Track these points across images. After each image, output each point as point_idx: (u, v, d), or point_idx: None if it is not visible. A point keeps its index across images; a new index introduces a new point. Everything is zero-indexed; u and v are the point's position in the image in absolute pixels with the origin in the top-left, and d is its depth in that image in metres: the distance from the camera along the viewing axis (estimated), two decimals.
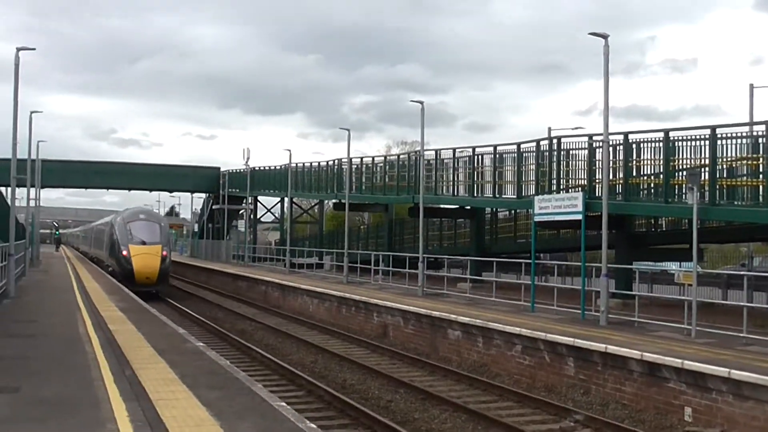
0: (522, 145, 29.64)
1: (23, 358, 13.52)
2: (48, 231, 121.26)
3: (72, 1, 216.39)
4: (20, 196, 52.59)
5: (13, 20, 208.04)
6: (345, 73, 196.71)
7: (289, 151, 47.14)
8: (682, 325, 18.21)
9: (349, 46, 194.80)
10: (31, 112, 38.91)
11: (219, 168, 68.43)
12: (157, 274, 38.29)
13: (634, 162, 24.14)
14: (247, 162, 56.39)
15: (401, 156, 42.58)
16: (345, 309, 28.92)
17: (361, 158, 45.52)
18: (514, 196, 30.01)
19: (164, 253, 38.89)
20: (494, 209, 37.24)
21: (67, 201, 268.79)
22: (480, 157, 32.55)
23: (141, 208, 45.63)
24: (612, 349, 15.68)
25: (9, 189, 29.80)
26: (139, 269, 38.02)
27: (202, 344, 16.15)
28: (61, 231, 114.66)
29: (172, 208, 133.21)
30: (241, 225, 65.18)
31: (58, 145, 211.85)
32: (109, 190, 72.90)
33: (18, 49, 26.16)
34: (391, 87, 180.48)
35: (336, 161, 47.26)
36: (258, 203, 64.60)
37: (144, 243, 38.89)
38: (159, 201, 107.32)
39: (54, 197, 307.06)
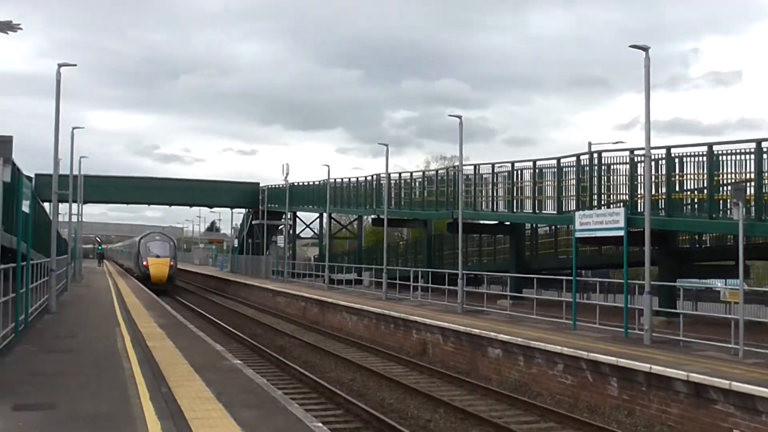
0: (562, 160, 29.29)
1: (61, 374, 13.53)
2: (91, 246, 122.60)
3: (116, 18, 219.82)
4: (63, 212, 53.32)
5: (58, 36, 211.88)
6: (385, 88, 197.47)
7: (328, 166, 46.98)
8: (729, 345, 17.74)
9: (390, 61, 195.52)
10: (73, 128, 39.34)
11: (258, 183, 68.71)
12: (166, 278, 54.93)
13: (677, 177, 23.69)
14: (286, 177, 56.42)
15: (440, 171, 42.39)
16: (384, 326, 28.71)
17: (400, 173, 45.44)
18: (555, 212, 29.65)
19: (172, 263, 55.98)
20: (534, 225, 36.85)
21: (109, 216, 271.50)
22: (519, 172, 32.24)
23: (157, 232, 63.27)
24: (656, 369, 15.29)
25: (51, 204, 30.13)
26: (154, 274, 54.56)
27: (239, 361, 16.05)
28: (103, 246, 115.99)
29: (213, 223, 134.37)
30: (281, 240, 65.24)
31: (102, 160, 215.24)
32: (151, 206, 73.68)
33: (59, 65, 26.44)
34: (430, 102, 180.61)
35: (374, 176, 47.21)
36: (297, 219, 64.66)
37: (158, 256, 55.87)
38: (200, 216, 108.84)
39: (97, 212, 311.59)
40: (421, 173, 44.31)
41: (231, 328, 31.38)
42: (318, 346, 26.62)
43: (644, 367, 15.58)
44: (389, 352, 25.13)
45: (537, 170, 30.83)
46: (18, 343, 17.34)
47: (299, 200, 59.81)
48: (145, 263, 55.67)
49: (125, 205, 75.77)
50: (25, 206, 18.54)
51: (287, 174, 56.10)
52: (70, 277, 43.09)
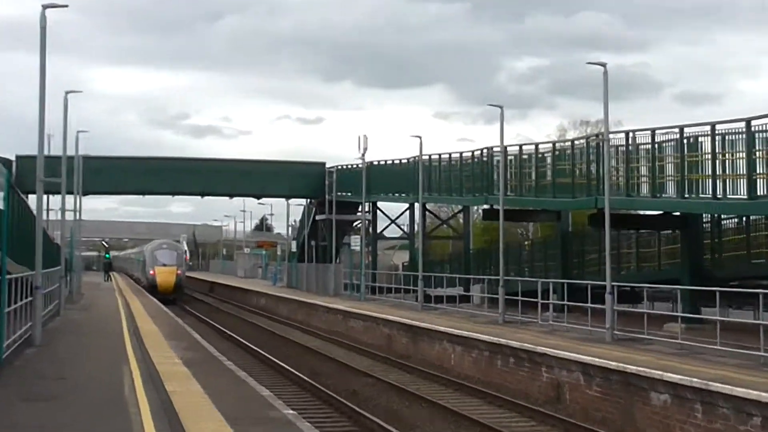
0: (753, 123, 28.48)
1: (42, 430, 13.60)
2: (95, 254, 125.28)
3: None
4: (56, 207, 54.41)
5: None
6: (502, 28, 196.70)
7: (420, 138, 46.63)
8: None
9: None
10: (67, 93, 39.87)
11: (324, 164, 69.12)
12: (173, 287, 71.94)
13: None
14: (363, 154, 56.46)
15: (578, 142, 41.75)
16: (500, 361, 28.63)
17: (521, 146, 44.87)
18: (745, 197, 28.88)
19: (178, 272, 73.75)
20: (716, 216, 36.03)
21: (121, 213, 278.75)
22: (693, 140, 31.54)
23: (164, 241, 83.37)
24: None
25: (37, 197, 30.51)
26: (161, 283, 71.56)
27: (292, 411, 16.15)
28: (113, 253, 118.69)
29: (263, 219, 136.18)
30: (356, 242, 65.41)
31: (110, 135, 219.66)
32: (177, 196, 75.09)
33: (44, 7, 26.71)
34: (566, 45, 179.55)
35: (486, 151, 46.87)
36: (378, 212, 64.70)
37: (165, 265, 73.24)
38: (244, 210, 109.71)
39: (104, 207, 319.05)
40: (550, 145, 43.76)
41: (284, 364, 31.58)
42: (407, 390, 26.65)
43: None
44: (508, 397, 25.01)
45: (718, 137, 30.09)
46: None
47: (381, 186, 59.84)
48: (152, 272, 73.25)
49: (142, 197, 77.23)
50: None
51: (365, 150, 56.12)
52: (65, 297, 43.81)
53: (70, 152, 44.38)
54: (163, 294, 67.61)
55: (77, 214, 54.11)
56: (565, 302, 33.53)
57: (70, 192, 47.05)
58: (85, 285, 63.72)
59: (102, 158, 59.82)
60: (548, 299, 34.59)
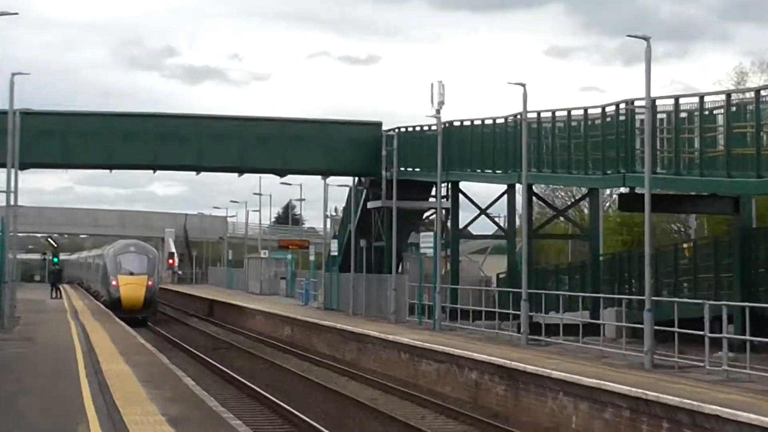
0: None
1: None
2: (39, 257, 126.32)
3: None
4: None
5: None
6: None
7: (524, 86, 46.03)
8: None
9: None
10: None
11: (380, 124, 69.01)
12: (142, 302, 79.78)
13: None
14: (438, 110, 56.19)
15: (764, 92, 40.85)
16: (647, 425, 28.28)
17: (676, 98, 44.12)
18: None
19: (150, 283, 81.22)
20: None
21: (79, 196, 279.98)
22: None
23: (131, 242, 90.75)
24: None
25: None
26: (126, 297, 79.06)
27: None
28: (64, 257, 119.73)
29: (288, 208, 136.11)
30: (427, 243, 64.97)
31: (63, 80, 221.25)
32: (160, 172, 75.06)
33: None
34: None
35: (624, 106, 46.18)
36: (461, 197, 64.24)
37: (132, 274, 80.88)
38: (260, 194, 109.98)
39: (53, 187, 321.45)
40: (723, 97, 42.91)
41: (318, 426, 31.54)
42: None
43: None
44: None
45: None
46: None
47: (466, 158, 59.74)
48: (114, 283, 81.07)
49: (110, 173, 77.37)
50: None
51: (440, 104, 56.01)
52: None
53: (3, 105, 44.20)
54: (130, 312, 75.98)
55: (12, 196, 53.95)
56: (747, 337, 33.00)
57: (1, 164, 46.86)
58: (23, 303, 64.05)
59: (51, 114, 59.93)
60: (720, 332, 33.84)
